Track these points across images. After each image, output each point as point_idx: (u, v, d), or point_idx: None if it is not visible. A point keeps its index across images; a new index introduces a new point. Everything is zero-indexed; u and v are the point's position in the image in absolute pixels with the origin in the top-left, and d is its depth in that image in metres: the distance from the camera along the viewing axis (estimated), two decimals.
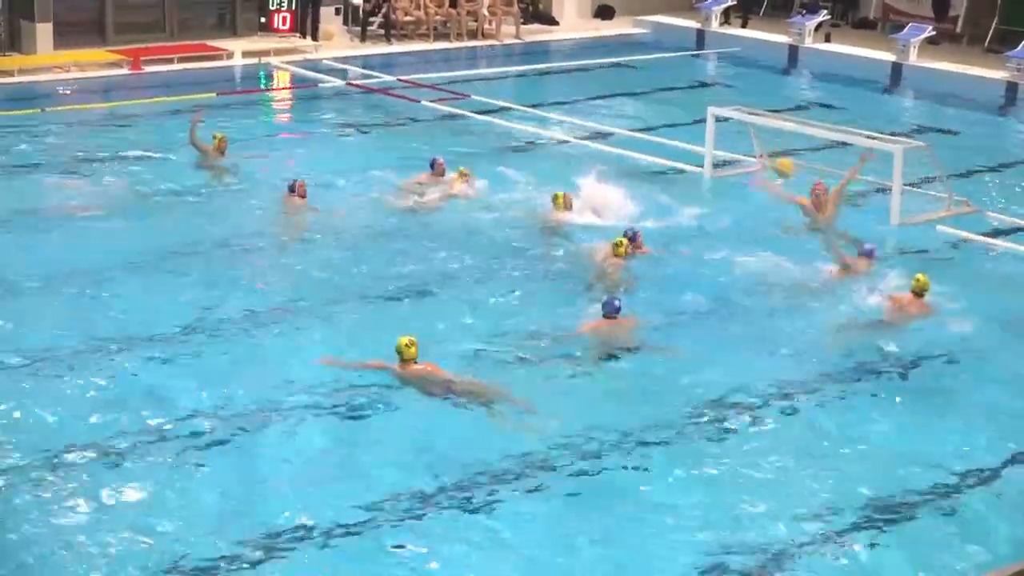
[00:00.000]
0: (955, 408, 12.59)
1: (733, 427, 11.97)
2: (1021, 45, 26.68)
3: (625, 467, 11.20)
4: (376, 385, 12.22)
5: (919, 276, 14.46)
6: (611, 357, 13.28)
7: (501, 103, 23.74)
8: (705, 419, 12.09)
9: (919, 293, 14.35)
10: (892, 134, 19.51)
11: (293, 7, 27.45)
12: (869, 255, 15.62)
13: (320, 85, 25.01)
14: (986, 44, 29.28)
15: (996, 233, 17.55)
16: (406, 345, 12.08)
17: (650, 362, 13.22)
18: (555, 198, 17.09)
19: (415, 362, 12.12)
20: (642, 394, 12.55)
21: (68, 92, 23.81)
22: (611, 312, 13.37)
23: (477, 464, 11.02)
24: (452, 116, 22.96)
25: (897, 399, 12.74)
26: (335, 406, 12.01)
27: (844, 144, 19.45)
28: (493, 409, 11.79)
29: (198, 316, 13.83)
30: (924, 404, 12.63)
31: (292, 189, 17.35)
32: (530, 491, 10.76)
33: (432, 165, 18.56)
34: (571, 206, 17.09)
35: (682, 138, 21.33)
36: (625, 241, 15.35)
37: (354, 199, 17.98)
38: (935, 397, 12.80)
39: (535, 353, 13.15)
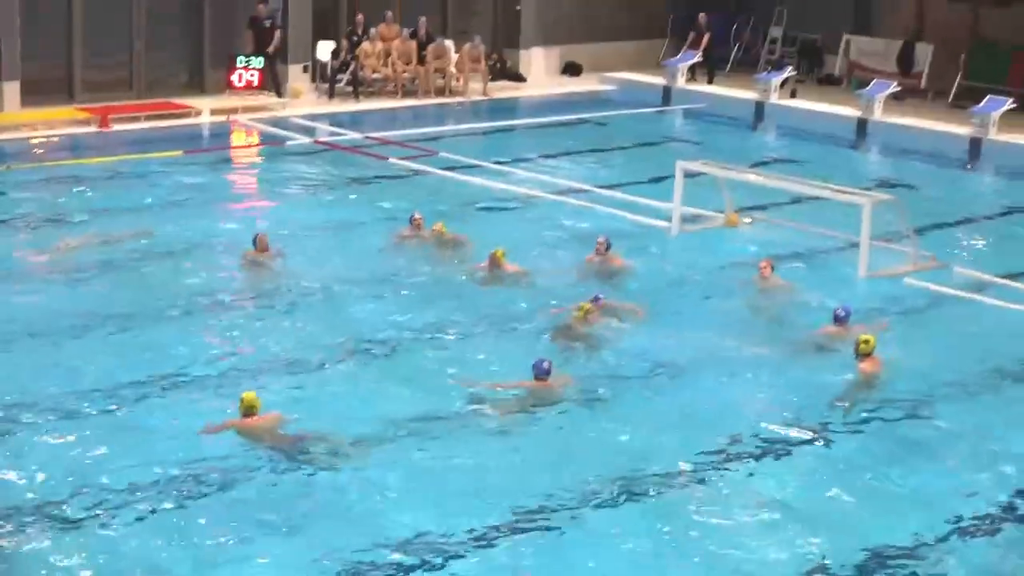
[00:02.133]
0: (911, 464, 12.61)
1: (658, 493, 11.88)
2: (984, 100, 26.92)
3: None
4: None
5: (863, 338, 14.45)
6: (536, 417, 13.22)
7: (470, 160, 23.78)
8: (633, 483, 11.92)
9: (865, 354, 14.35)
10: (860, 188, 19.60)
11: (261, 66, 27.44)
12: (843, 321, 15.46)
13: (288, 143, 25.01)
14: (950, 99, 29.52)
15: (963, 287, 17.61)
16: (250, 402, 12.21)
17: (579, 422, 13.20)
18: (492, 256, 17.18)
19: (255, 415, 12.25)
20: (562, 456, 12.48)
21: (37, 151, 23.73)
22: (541, 374, 13.42)
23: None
24: (421, 173, 22.98)
25: (845, 459, 12.72)
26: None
27: (811, 197, 19.56)
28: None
29: (124, 378, 13.70)
30: (878, 461, 12.62)
31: (255, 243, 17.36)
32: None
33: (410, 220, 18.63)
34: (501, 264, 17.14)
35: (650, 194, 21.40)
36: (587, 306, 15.46)
37: (318, 255, 17.98)
38: (895, 451, 12.82)
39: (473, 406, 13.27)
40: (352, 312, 15.94)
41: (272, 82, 27.64)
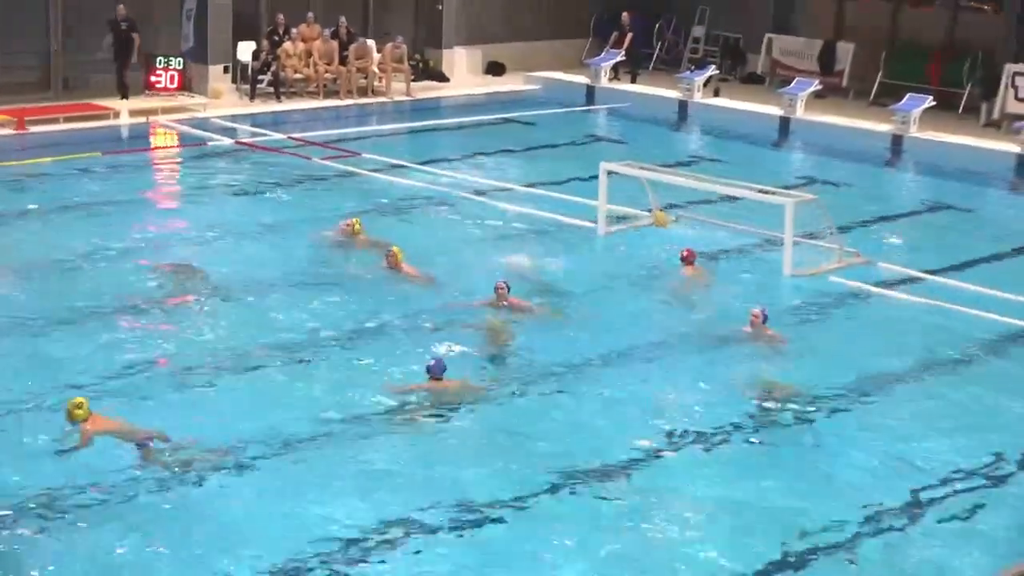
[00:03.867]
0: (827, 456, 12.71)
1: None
2: (905, 98, 27.15)
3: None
4: None
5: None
6: (436, 415, 13.16)
7: (394, 160, 23.66)
8: (547, 484, 11.88)
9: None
10: (783, 187, 19.69)
11: (181, 66, 27.14)
12: (764, 321, 15.40)
13: (209, 144, 24.76)
14: (871, 98, 29.76)
15: (886, 283, 17.73)
16: (76, 406, 11.92)
17: (491, 423, 13.17)
18: (389, 256, 17.02)
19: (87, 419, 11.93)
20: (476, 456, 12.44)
21: None
22: (435, 374, 13.39)
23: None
24: (344, 174, 22.83)
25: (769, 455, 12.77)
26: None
27: (734, 197, 19.62)
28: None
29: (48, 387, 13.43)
30: (793, 459, 12.67)
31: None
32: None
33: (342, 224, 18.62)
34: (398, 263, 16.98)
35: (575, 193, 21.40)
36: (503, 285, 15.60)
37: (239, 259, 17.81)
38: (810, 451, 12.87)
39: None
40: (269, 317, 15.70)
41: (120, 86, 26.94)
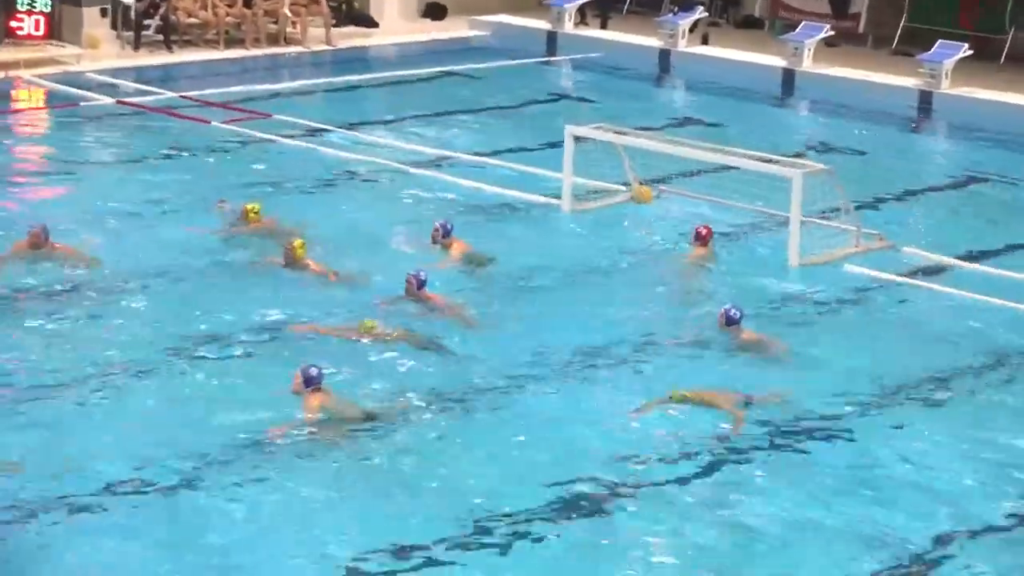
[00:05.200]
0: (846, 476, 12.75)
1: None
2: (935, 47, 27.20)
3: None
4: None
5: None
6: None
7: (312, 123, 23.58)
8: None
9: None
10: (788, 155, 19.68)
11: (48, 8, 26.92)
12: (733, 323, 15.29)
13: (83, 104, 24.58)
14: (893, 46, 29.83)
15: (914, 272, 17.74)
16: None
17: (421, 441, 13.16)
18: (288, 249, 16.89)
19: None
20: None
21: None
22: (311, 383, 13.30)
23: None
24: (250, 141, 22.71)
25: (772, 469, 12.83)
26: None
27: (729, 167, 19.58)
28: None
29: None
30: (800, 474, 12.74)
31: (30, 237, 16.90)
32: None
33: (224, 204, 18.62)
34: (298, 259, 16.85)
35: (534, 163, 21.35)
36: (413, 280, 15.74)
37: (118, 244, 17.65)
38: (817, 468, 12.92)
39: None
40: (134, 320, 15.54)
41: None
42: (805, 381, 14.55)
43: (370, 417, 13.26)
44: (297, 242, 16.87)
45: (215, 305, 15.91)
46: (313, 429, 13.02)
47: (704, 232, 17.81)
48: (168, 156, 21.92)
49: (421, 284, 15.81)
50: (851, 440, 13.40)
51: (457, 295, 16.28)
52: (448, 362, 14.68)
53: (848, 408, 13.96)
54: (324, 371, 13.40)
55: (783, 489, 12.45)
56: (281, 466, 12.43)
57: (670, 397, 13.54)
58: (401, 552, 11.16)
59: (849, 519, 11.99)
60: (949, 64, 26.65)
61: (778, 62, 28.42)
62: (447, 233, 17.44)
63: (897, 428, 13.68)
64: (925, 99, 26.61)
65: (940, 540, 11.74)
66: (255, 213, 17.98)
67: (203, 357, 14.61)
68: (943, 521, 12.06)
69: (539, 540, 11.50)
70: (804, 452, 13.21)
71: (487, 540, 11.45)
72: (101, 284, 16.41)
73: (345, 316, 15.62)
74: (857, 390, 14.33)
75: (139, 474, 12.21)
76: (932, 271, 17.87)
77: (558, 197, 19.65)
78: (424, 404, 13.69)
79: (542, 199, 19.91)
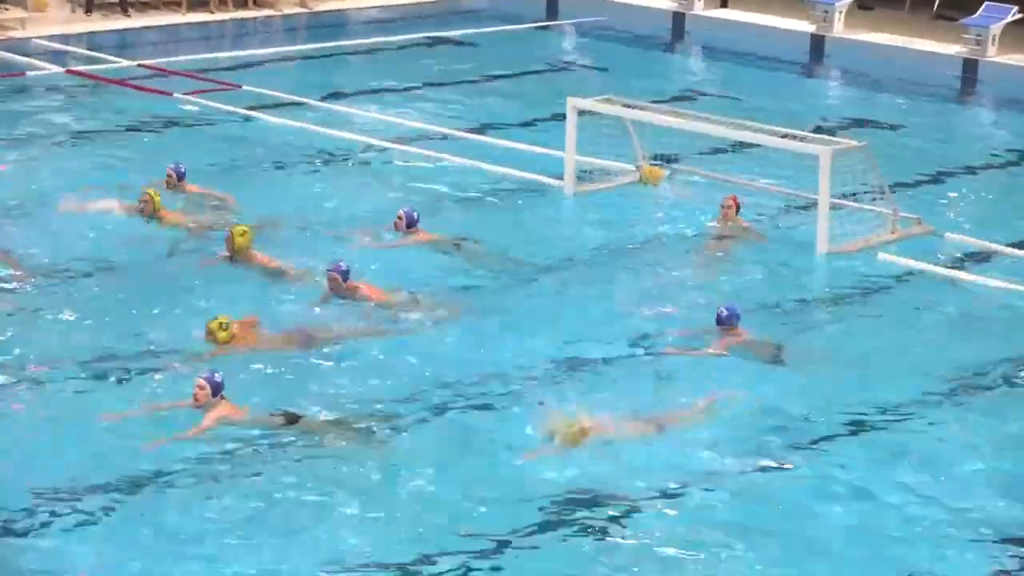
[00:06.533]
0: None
1: None
2: (980, 9, 27.19)
3: None
4: None
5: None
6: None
7: (284, 96, 23.59)
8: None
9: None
10: (814, 130, 19.68)
11: None
12: (727, 323, 15.18)
13: (29, 73, 24.59)
14: (934, 9, 29.81)
15: (958, 261, 17.75)
16: None
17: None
18: (229, 238, 16.83)
19: None
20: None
21: None
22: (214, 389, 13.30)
23: None
24: (215, 115, 22.74)
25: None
26: None
27: (749, 145, 19.59)
28: None
29: None
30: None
31: None
32: None
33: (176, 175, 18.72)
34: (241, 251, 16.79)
35: (533, 140, 21.38)
36: (336, 274, 15.75)
37: (65, 233, 17.61)
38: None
39: None
40: (76, 320, 15.52)
41: None
42: (830, 380, 14.56)
43: (291, 420, 13.23)
44: (237, 228, 16.78)
45: (145, 308, 15.79)
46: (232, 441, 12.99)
47: (730, 203, 18.03)
48: (124, 131, 21.93)
49: (345, 276, 15.77)
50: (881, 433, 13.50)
51: (443, 286, 16.34)
52: (424, 362, 14.68)
53: (879, 411, 13.97)
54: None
55: (805, 481, 12.60)
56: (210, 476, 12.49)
57: (569, 428, 12.99)
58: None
59: (872, 516, 12.15)
60: (996, 29, 26.66)
61: (806, 27, 28.42)
62: (412, 223, 17.44)
63: (931, 427, 13.74)
64: (969, 68, 26.62)
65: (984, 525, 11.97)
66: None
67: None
68: (983, 512, 12.23)
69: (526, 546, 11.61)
70: (824, 452, 13.25)
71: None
72: (36, 277, 16.44)
73: (291, 311, 15.67)
74: (890, 390, 14.33)
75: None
76: (977, 259, 17.88)
77: (559, 178, 19.65)
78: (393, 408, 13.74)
79: (542, 180, 19.91)
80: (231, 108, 22.98)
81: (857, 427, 13.70)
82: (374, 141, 21.61)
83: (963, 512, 12.31)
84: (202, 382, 13.17)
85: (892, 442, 13.45)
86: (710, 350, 14.98)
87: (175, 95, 23.56)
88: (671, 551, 11.65)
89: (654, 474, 12.68)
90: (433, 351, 14.89)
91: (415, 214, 17.48)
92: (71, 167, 20.35)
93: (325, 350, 14.77)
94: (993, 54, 26.58)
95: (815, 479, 12.81)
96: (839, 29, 28.04)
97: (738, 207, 18.12)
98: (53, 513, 11.82)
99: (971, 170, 21.71)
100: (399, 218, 17.47)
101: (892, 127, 23.46)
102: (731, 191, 18.64)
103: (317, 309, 15.71)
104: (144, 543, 11.50)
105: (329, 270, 15.87)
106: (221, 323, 14.56)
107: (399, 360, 14.63)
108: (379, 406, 13.65)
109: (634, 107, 19.80)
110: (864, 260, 17.78)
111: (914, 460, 13.14)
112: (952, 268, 17.58)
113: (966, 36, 26.91)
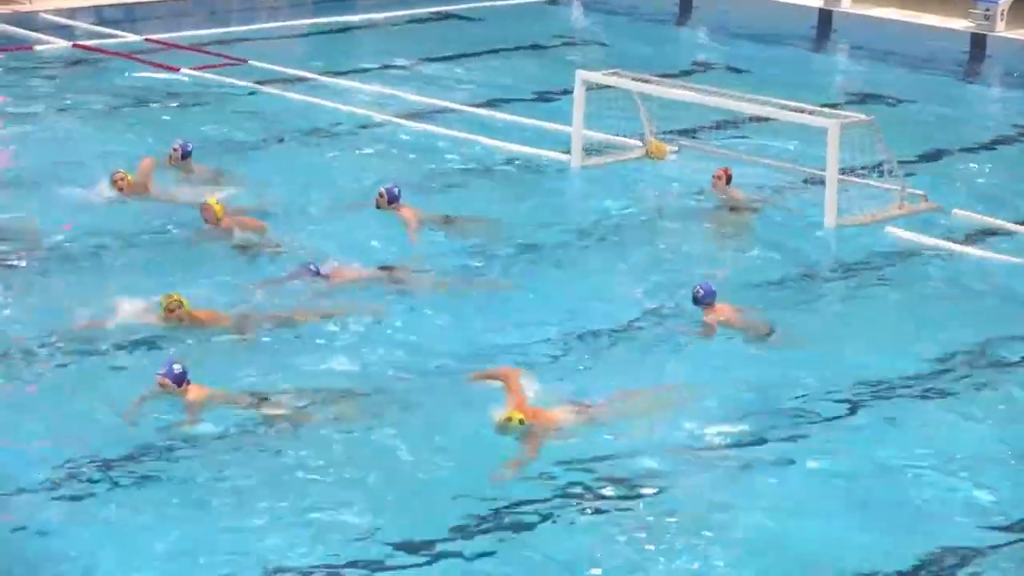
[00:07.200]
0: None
1: None
2: None
3: None
4: None
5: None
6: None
7: (291, 70, 23.65)
8: None
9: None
10: (823, 105, 19.69)
11: None
12: (703, 302, 15.02)
13: (37, 47, 24.65)
14: None
15: (963, 237, 17.75)
16: None
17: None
18: (205, 207, 16.84)
19: None
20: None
21: None
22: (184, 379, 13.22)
23: None
24: (223, 90, 22.79)
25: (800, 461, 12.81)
26: None
27: (760, 119, 19.60)
28: None
29: None
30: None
31: None
32: None
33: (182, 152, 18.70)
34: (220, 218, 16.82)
35: (539, 114, 21.41)
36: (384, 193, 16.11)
37: (70, 205, 17.73)
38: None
39: None
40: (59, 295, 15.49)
41: None
42: (835, 356, 14.55)
43: (262, 399, 13.16)
44: (211, 201, 16.81)
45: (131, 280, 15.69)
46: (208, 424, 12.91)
47: (720, 174, 18.18)
48: (130, 104, 21.97)
49: (316, 274, 15.74)
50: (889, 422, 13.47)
51: (449, 262, 16.38)
52: (424, 335, 14.70)
53: (881, 388, 13.94)
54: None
55: (807, 471, 12.53)
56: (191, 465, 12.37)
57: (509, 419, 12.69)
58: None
59: (879, 495, 12.12)
60: (1005, 4, 26.60)
61: (814, 1, 28.37)
62: (393, 199, 17.35)
63: (934, 409, 13.68)
64: (978, 43, 26.57)
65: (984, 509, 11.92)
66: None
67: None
68: (991, 493, 12.17)
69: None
70: (822, 428, 13.21)
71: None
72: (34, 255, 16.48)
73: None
74: (893, 366, 14.30)
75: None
76: (983, 235, 17.86)
77: (567, 152, 19.67)
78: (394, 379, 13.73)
79: (549, 154, 19.94)
80: (238, 82, 23.00)
81: (854, 404, 13.60)
82: (381, 116, 21.63)
83: (966, 489, 12.24)
84: (162, 380, 12.96)
85: (891, 417, 13.36)
86: (698, 330, 14.95)
87: (182, 70, 23.58)
88: (664, 530, 11.51)
89: (649, 455, 12.53)
90: (423, 327, 14.82)
91: (396, 190, 17.36)
92: (77, 140, 20.39)
93: (308, 328, 14.65)
94: (1002, 29, 26.53)
95: (810, 455, 12.72)
96: (847, 3, 28.00)
97: (729, 178, 18.20)
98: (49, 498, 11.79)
99: (978, 146, 21.64)
100: (380, 195, 17.36)
101: (900, 102, 23.43)
102: (739, 165, 18.70)
103: (298, 283, 15.64)
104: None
105: (302, 267, 15.75)
106: (173, 299, 14.43)
107: (389, 337, 14.55)
108: (372, 383, 13.52)
109: (642, 80, 19.81)
110: (871, 233, 17.76)
111: (916, 436, 13.08)
112: (958, 243, 17.54)
113: (974, 11, 26.85)
